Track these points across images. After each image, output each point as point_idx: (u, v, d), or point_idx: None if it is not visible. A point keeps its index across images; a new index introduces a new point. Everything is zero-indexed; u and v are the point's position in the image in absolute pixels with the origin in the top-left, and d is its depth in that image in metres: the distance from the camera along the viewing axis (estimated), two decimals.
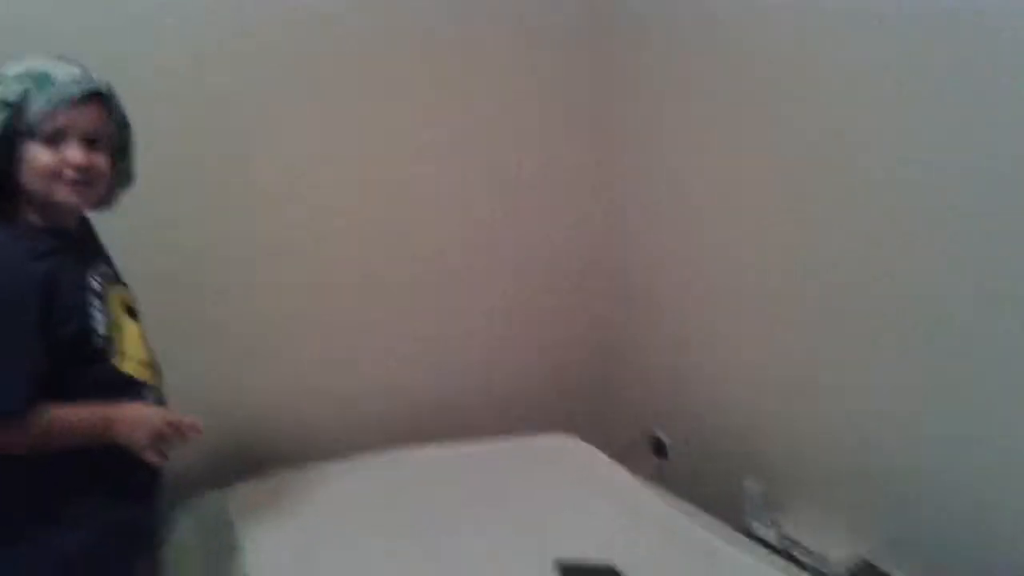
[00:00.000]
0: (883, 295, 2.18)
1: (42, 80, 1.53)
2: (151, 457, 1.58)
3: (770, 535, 2.37)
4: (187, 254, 2.54)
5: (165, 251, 2.46)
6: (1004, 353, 1.91)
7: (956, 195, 1.97)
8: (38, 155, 1.53)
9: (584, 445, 2.74)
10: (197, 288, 2.55)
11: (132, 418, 1.58)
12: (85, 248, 1.71)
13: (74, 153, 1.54)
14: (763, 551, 2.17)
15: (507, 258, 3.10)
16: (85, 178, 1.57)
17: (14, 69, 1.55)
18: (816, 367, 2.40)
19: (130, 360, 1.66)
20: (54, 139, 1.53)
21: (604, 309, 3.26)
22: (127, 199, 1.80)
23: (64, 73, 1.56)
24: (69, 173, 1.55)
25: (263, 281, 2.70)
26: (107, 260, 1.77)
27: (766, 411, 2.58)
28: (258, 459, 2.66)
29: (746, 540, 2.24)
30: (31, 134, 1.52)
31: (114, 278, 1.74)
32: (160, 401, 1.73)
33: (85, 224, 1.77)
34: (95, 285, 1.63)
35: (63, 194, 1.56)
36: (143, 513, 1.74)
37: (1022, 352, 1.87)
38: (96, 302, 1.60)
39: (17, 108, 1.51)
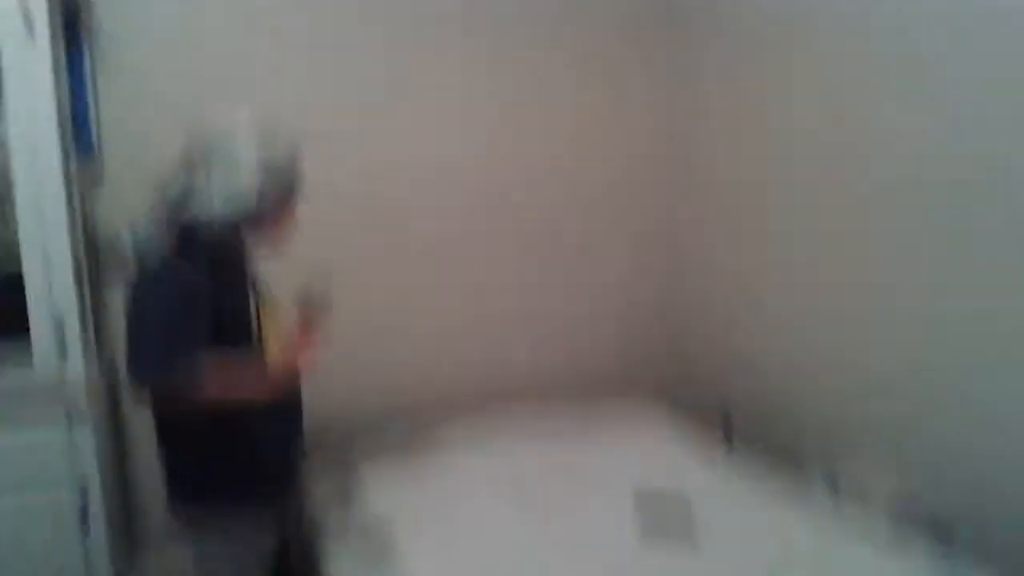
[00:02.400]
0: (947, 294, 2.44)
1: None
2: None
3: (825, 489, 2.63)
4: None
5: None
6: None
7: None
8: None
9: (662, 409, 3.11)
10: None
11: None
12: (247, 272, 2.11)
13: None
14: (821, 504, 2.50)
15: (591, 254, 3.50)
16: None
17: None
18: (869, 346, 2.67)
19: (270, 339, 2.08)
20: None
21: (674, 302, 3.61)
22: None
23: None
24: None
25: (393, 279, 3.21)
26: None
27: (822, 383, 2.86)
28: (372, 417, 3.09)
29: (807, 495, 2.56)
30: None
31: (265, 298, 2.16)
32: None
33: None
34: (254, 301, 2.06)
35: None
36: (282, 464, 2.17)
37: None
38: (252, 315, 2.03)
39: None
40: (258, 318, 2.04)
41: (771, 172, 3.04)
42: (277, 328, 2.12)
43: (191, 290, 1.89)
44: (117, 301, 2.69)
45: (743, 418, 3.25)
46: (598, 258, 3.50)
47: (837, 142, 2.73)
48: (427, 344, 3.30)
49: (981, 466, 2.34)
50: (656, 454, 2.76)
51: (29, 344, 2.36)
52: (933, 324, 2.45)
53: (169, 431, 2.05)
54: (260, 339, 2.04)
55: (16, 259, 2.34)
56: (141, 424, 2.75)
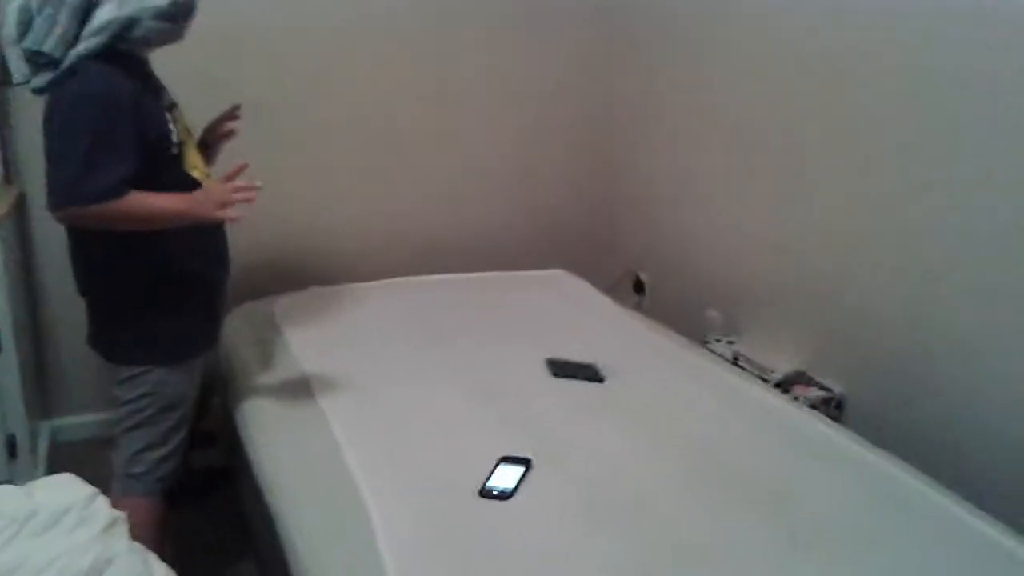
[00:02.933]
0: (822, 163, 2.57)
1: None
2: (225, 217, 1.90)
3: (725, 351, 2.83)
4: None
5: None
6: (923, 196, 2.30)
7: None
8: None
9: (575, 278, 3.19)
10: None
11: (202, 194, 1.95)
12: (155, 78, 2.07)
13: None
14: (718, 358, 2.63)
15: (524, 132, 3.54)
16: None
17: None
18: (769, 222, 2.83)
19: (195, 168, 2.05)
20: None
21: (597, 175, 3.69)
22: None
23: None
24: None
25: (321, 136, 3.19)
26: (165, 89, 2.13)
27: (727, 255, 3.04)
28: (294, 278, 3.12)
29: (706, 352, 2.70)
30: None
31: (175, 104, 2.10)
32: None
33: None
34: (167, 104, 2.01)
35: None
36: (212, 310, 2.18)
37: (935, 195, 2.27)
38: (169, 117, 1.98)
39: None
40: (179, 142, 1.99)
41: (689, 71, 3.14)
42: (195, 151, 2.10)
43: (115, 96, 1.83)
44: (20, 104, 2.67)
45: (655, 287, 3.39)
46: (520, 132, 3.53)
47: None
48: (347, 216, 3.33)
49: (875, 340, 2.49)
50: (568, 319, 2.84)
51: None
52: (837, 195, 2.58)
53: (91, 273, 2.03)
54: (183, 158, 2.00)
55: None
56: (49, 243, 2.79)
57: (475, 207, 3.52)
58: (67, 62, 1.82)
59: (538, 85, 3.48)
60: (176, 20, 1.93)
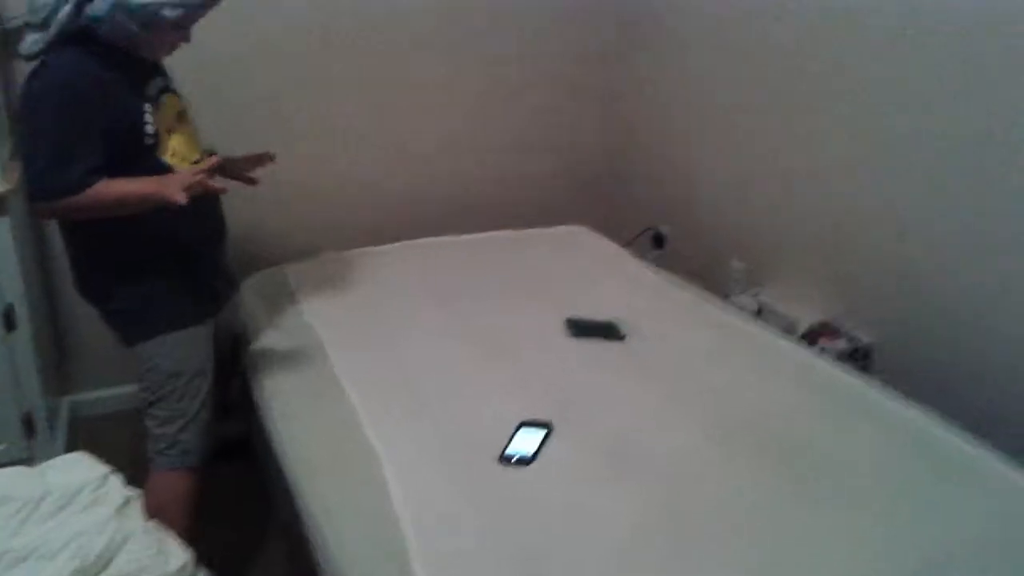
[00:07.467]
0: (849, 113, 2.49)
1: None
2: (177, 200, 1.80)
3: (749, 303, 2.78)
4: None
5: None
6: (948, 139, 2.22)
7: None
8: (170, 36, 1.93)
9: (594, 233, 3.13)
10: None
11: (168, 177, 1.87)
12: (145, 66, 1.99)
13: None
14: (741, 311, 2.58)
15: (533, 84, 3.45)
16: None
17: None
18: (792, 170, 2.75)
19: (179, 157, 1.99)
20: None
21: (612, 129, 3.61)
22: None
23: None
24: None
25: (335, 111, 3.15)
26: (164, 75, 2.07)
27: (749, 205, 2.96)
28: (307, 244, 3.07)
29: (728, 304, 2.65)
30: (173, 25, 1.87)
31: (168, 89, 2.05)
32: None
33: None
34: (150, 93, 1.95)
35: (163, 55, 1.99)
36: (200, 278, 2.13)
37: (968, 151, 2.19)
38: (148, 107, 1.92)
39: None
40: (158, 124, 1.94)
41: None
42: (186, 138, 2.05)
43: (81, 87, 1.79)
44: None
45: (676, 240, 3.32)
46: (536, 88, 3.46)
47: None
48: (360, 179, 3.28)
49: (903, 288, 2.42)
50: (587, 277, 2.79)
51: None
52: (861, 138, 2.49)
53: (92, 250, 2.00)
54: (162, 147, 1.95)
55: None
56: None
57: (490, 166, 3.45)
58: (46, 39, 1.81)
59: (551, 43, 3.39)
60: (146, 27, 1.85)
